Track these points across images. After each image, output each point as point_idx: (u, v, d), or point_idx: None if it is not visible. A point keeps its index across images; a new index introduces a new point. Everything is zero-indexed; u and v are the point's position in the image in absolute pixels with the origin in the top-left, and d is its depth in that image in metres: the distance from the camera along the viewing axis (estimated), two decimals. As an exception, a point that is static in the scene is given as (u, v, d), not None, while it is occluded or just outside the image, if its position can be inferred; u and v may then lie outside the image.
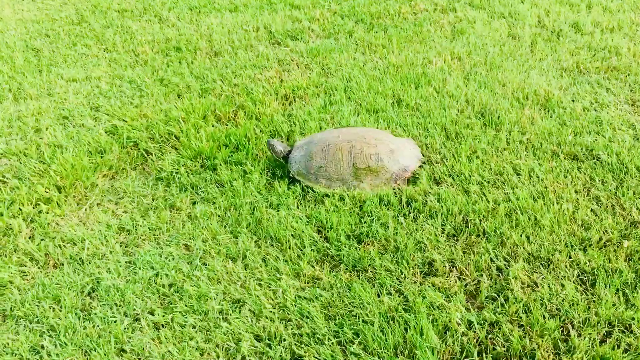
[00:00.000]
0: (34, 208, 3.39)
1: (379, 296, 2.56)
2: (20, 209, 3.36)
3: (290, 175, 3.37)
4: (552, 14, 5.29)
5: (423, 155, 3.42)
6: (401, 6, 5.91)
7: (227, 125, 4.10)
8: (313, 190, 3.26)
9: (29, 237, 3.19)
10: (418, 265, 2.69)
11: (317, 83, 4.51)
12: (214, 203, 3.29)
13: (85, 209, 3.40)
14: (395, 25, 5.48)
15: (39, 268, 2.96)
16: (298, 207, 3.17)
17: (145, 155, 3.84)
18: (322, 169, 3.23)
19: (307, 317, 2.49)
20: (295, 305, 2.55)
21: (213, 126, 4.05)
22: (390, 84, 4.28)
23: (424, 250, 2.77)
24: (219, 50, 5.43)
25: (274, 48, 5.37)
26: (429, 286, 2.56)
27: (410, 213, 3.01)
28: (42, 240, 3.14)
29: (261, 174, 3.45)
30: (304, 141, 3.48)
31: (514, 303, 2.42)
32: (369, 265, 2.73)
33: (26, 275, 2.91)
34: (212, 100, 4.39)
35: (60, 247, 3.07)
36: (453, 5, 5.76)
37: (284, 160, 3.49)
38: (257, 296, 2.62)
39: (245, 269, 2.81)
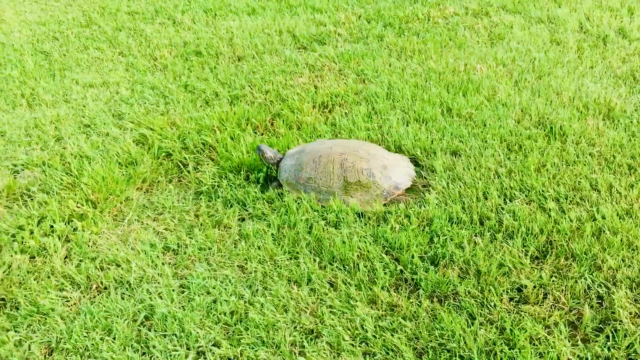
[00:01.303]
0: (66, 225, 3.13)
1: (468, 326, 2.34)
2: (52, 226, 3.11)
3: (279, 183, 3.27)
4: (593, 19, 5.12)
5: (415, 174, 3.30)
6: (430, 10, 5.72)
7: (262, 134, 3.88)
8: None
9: (65, 258, 2.94)
10: (506, 292, 2.48)
11: (355, 90, 4.30)
12: (265, 220, 3.06)
13: (123, 226, 3.15)
14: (427, 30, 5.28)
15: (81, 293, 2.71)
16: (358, 226, 2.94)
17: (182, 166, 3.61)
18: (312, 180, 3.11)
19: (393, 351, 2.27)
20: (377, 337, 2.32)
21: (250, 135, 3.82)
22: (435, 92, 4.07)
23: (509, 275, 2.56)
24: (242, 54, 5.21)
25: (300, 53, 5.16)
26: (524, 316, 2.35)
27: (486, 232, 2.80)
28: (80, 261, 2.89)
29: (314, 188, 3.23)
30: (296, 150, 3.36)
31: (626, 336, 2.21)
32: (452, 291, 2.51)
33: (68, 301, 2.66)
34: (246, 108, 4.15)
35: (103, 270, 2.83)
36: (486, 10, 5.57)
37: (274, 167, 3.35)
38: (333, 326, 2.39)
39: (313, 294, 2.58)
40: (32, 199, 3.35)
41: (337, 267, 2.70)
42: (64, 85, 4.89)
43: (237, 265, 2.79)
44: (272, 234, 2.94)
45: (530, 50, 4.64)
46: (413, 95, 4.08)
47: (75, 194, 3.34)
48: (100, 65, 5.27)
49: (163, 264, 2.83)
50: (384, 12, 5.81)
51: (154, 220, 3.20)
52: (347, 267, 2.70)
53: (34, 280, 2.77)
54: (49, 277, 2.79)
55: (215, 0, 6.69)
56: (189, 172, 3.55)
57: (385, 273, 2.62)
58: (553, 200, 2.94)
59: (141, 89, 4.71)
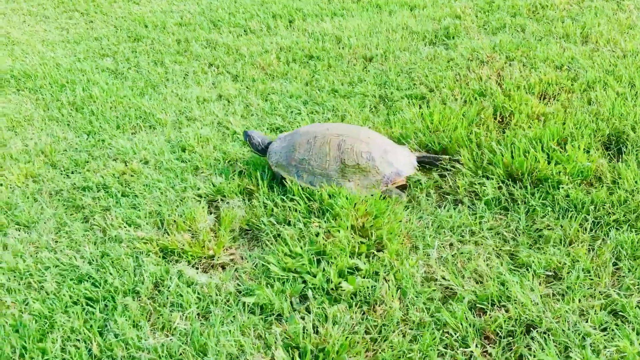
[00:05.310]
0: (357, 259, 2.35)
1: None
2: (353, 265, 2.32)
3: (270, 167, 3.07)
4: None
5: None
6: (551, -3, 5.28)
7: (491, 131, 3.24)
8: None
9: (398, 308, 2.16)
10: None
11: (565, 78, 3.73)
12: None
13: (432, 253, 2.40)
14: (572, 16, 4.83)
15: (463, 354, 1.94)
16: None
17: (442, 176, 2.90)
18: (305, 161, 2.89)
19: None
20: None
21: (488, 131, 3.17)
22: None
23: None
24: (366, 55, 4.55)
25: (433, 47, 4.56)
26: None
27: None
28: (425, 304, 2.12)
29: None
30: (287, 133, 3.17)
31: None
32: None
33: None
34: (456, 108, 3.51)
35: (477, 315, 2.07)
36: (620, -7, 5.20)
37: (261, 153, 3.19)
38: None
39: None
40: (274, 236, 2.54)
41: None
42: (171, 103, 4.06)
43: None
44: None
45: None
46: (646, 77, 3.56)
47: (329, 221, 2.56)
48: (196, 79, 4.46)
49: (550, 296, 2.11)
50: (499, 2, 5.32)
51: (460, 242, 2.47)
52: None
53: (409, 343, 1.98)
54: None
55: (277, 6, 6.00)
56: (447, 178, 2.86)
57: None
58: None
59: (279, 98, 3.96)
